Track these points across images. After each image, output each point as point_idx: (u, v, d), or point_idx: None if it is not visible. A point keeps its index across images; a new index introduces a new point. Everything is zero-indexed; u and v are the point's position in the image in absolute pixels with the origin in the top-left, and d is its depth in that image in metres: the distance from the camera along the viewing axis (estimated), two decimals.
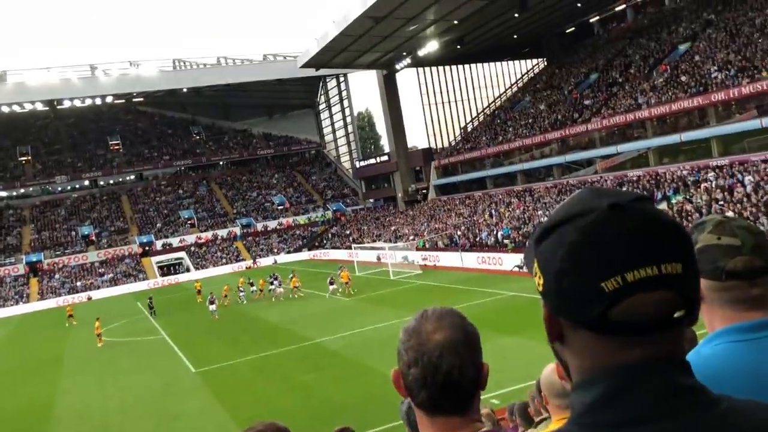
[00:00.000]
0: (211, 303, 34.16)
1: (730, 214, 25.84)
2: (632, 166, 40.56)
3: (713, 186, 30.58)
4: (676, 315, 0.90)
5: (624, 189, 0.84)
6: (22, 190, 79.03)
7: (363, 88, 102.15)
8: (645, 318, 0.88)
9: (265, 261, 65.13)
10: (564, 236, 0.91)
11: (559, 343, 0.98)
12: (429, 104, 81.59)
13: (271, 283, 39.23)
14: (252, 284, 40.74)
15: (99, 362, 26.82)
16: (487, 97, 77.58)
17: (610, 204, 0.90)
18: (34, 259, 65.42)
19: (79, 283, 62.38)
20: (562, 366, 1.02)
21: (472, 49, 61.00)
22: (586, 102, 47.64)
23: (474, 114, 71.06)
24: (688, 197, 31.02)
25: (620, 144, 41.56)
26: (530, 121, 52.91)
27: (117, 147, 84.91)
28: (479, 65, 79.02)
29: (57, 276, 63.74)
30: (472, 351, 1.43)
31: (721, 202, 28.07)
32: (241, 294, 39.02)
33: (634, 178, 37.33)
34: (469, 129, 67.48)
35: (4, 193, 78.01)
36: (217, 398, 18.55)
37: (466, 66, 78.87)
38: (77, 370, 25.97)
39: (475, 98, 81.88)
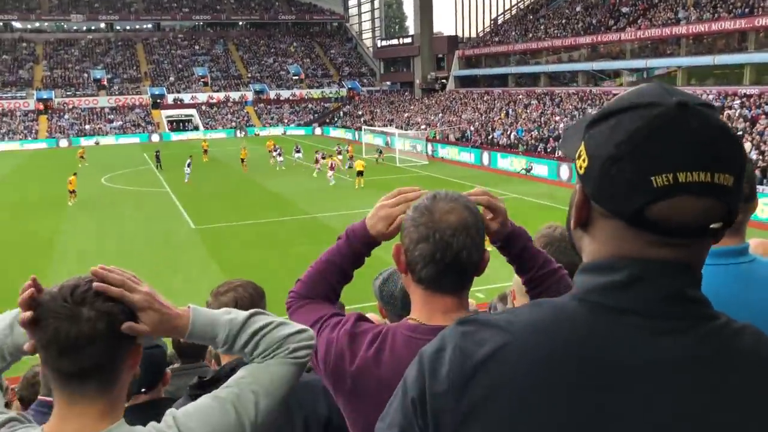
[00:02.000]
0: (187, 166, 33.67)
1: (747, 146, 25.40)
2: (659, 82, 39.38)
3: (737, 114, 29.86)
4: (712, 225, 0.89)
5: None
6: (37, 24, 77.40)
7: None
8: (683, 221, 0.87)
9: (274, 131, 64.72)
10: (625, 123, 0.89)
11: (581, 229, 0.98)
12: None
13: (297, 151, 40.69)
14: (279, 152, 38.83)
15: (102, 206, 27.32)
16: None
17: (679, 102, 0.88)
18: (45, 97, 65.14)
19: (87, 126, 62.48)
20: (576, 249, 1.02)
21: None
22: (624, 9, 45.60)
23: (507, 6, 68.19)
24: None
25: (651, 59, 40.16)
26: (564, 21, 50.89)
27: None
28: None
29: (66, 116, 63.72)
30: (480, 236, 1.46)
31: (741, 132, 27.51)
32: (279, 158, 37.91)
33: None
34: (499, 21, 65.05)
35: (18, 24, 76.49)
36: (212, 255, 19.03)
37: None
38: (80, 210, 26.48)
39: None
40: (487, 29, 65.49)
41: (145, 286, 1.33)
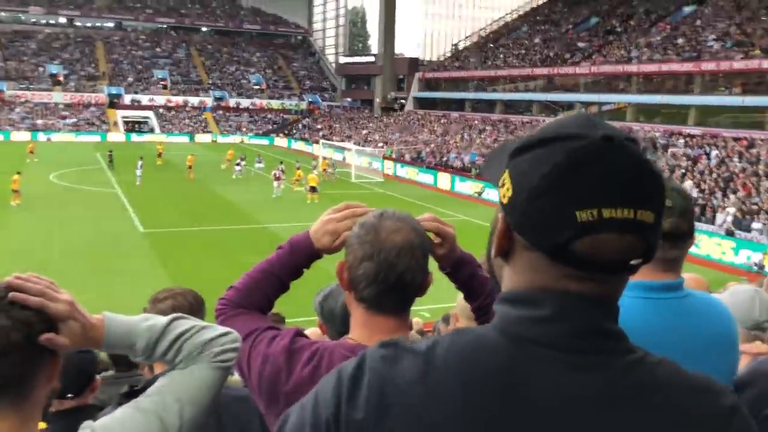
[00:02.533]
0: (139, 168, 33.34)
1: (688, 183, 26.54)
2: (609, 118, 40.79)
3: (680, 153, 31.14)
4: (632, 262, 0.88)
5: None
6: None
7: None
8: (604, 257, 0.86)
9: (231, 138, 64.27)
10: (549, 154, 0.87)
11: (501, 258, 0.97)
12: (427, 13, 79.53)
13: (259, 162, 41.35)
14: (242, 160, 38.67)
15: (47, 204, 26.77)
16: (485, 19, 75.86)
17: (605, 135, 0.86)
18: None
19: (39, 121, 61.03)
20: (493, 277, 1.06)
21: None
22: (581, 44, 47.16)
23: (469, 32, 69.57)
24: (654, 159, 31.57)
25: (603, 93, 41.59)
26: (522, 52, 52.26)
27: None
28: None
29: (18, 110, 62.10)
30: (425, 257, 1.45)
31: (683, 170, 28.70)
32: (237, 168, 37.51)
33: None
34: (460, 47, 66.29)
35: None
36: (159, 261, 18.90)
37: None
38: (24, 208, 25.91)
39: (473, 16, 79.98)
40: (448, 54, 66.62)
41: (66, 294, 1.24)
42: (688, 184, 26.54)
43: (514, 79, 50.14)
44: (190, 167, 37.39)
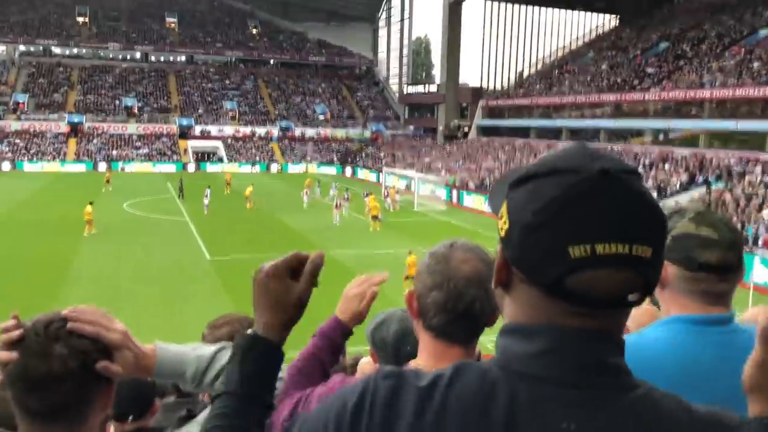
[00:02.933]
0: (206, 197, 34.06)
1: (766, 213, 25.29)
2: (680, 144, 39.51)
3: (758, 180, 29.79)
4: (630, 297, 0.87)
5: (627, 161, 0.81)
6: (75, 51, 79.68)
7: (426, 12, 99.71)
8: (600, 294, 0.85)
9: (296, 168, 65.36)
10: (544, 189, 0.86)
11: (502, 289, 0.96)
12: (489, 42, 79.56)
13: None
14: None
15: (121, 232, 27.74)
16: (550, 45, 75.28)
17: (601, 169, 0.85)
18: (76, 120, 66.63)
19: (114, 152, 63.65)
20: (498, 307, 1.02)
21: None
22: (650, 70, 46.04)
23: (533, 61, 69.16)
24: (729, 187, 30.32)
25: (673, 119, 40.36)
26: (588, 78, 51.42)
27: (173, 25, 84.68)
28: (550, 10, 76.39)
29: (95, 141, 65.04)
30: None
31: (761, 199, 27.40)
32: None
33: (679, 157, 36.44)
34: (524, 75, 65.85)
35: (57, 50, 78.77)
36: (225, 287, 19.20)
37: (537, 8, 76.30)
38: (99, 235, 26.90)
39: (537, 45, 79.51)
40: (512, 81, 66.28)
41: (120, 324, 1.29)
42: (766, 214, 25.34)
43: (581, 105, 49.30)
44: (247, 197, 37.36)
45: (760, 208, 26.18)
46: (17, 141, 62.28)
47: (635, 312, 2.55)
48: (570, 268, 0.84)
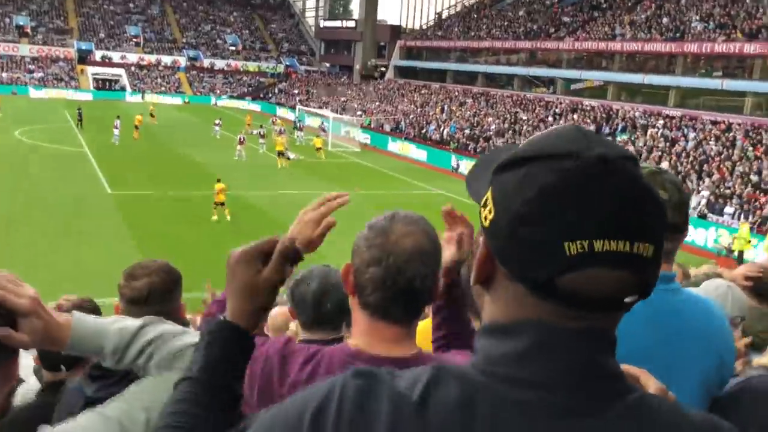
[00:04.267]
0: (116, 128, 32.46)
1: (665, 165, 26.47)
2: (590, 95, 40.56)
3: (659, 134, 31.06)
4: (627, 299, 0.78)
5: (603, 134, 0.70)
6: None
7: None
8: (594, 295, 0.76)
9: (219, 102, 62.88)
10: (537, 175, 0.77)
11: (482, 286, 0.86)
12: None
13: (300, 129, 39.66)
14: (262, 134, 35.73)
15: (13, 161, 25.82)
16: None
17: (600, 155, 0.76)
18: None
19: (5, 75, 58.97)
20: (475, 306, 0.92)
21: None
22: (565, 19, 46.64)
23: (452, 2, 68.56)
24: (632, 138, 31.48)
25: (585, 70, 41.28)
26: (506, 23, 51.59)
27: None
28: None
29: None
30: (436, 263, 1.38)
31: (660, 152, 28.63)
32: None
33: (588, 108, 37.43)
34: (444, 16, 65.34)
35: None
36: (126, 223, 18.29)
37: None
38: None
39: None
40: (431, 22, 65.67)
41: (29, 289, 1.12)
42: (664, 165, 26.51)
43: (497, 51, 49.53)
44: (137, 127, 35.57)
45: (659, 161, 27.35)
46: None
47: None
48: (565, 267, 0.75)
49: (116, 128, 32.59)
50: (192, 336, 1.33)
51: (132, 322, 1.32)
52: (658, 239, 0.78)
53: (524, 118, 38.35)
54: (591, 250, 0.74)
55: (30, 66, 61.34)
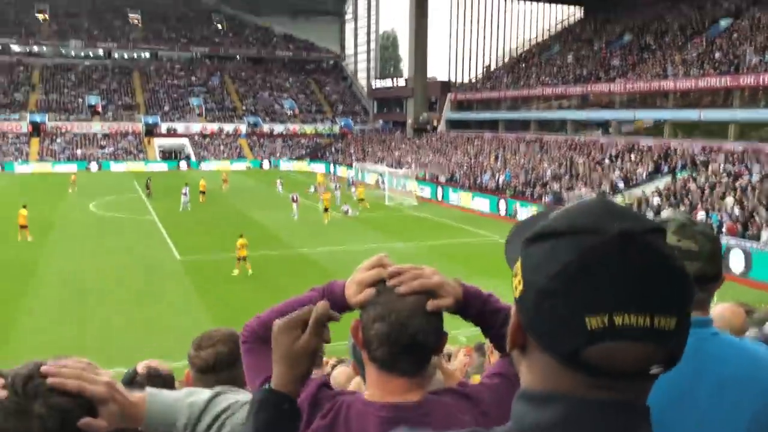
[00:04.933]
0: (184, 194, 34.11)
1: (729, 200, 25.80)
2: (646, 134, 40.13)
3: (720, 169, 30.38)
4: (652, 370, 0.80)
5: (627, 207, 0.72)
6: (36, 48, 77.88)
7: (393, 5, 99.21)
8: (620, 366, 0.78)
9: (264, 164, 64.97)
10: (560, 251, 0.80)
11: (518, 351, 0.90)
12: (456, 35, 79.79)
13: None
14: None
15: (88, 233, 27.22)
16: (516, 38, 75.76)
17: (621, 231, 0.77)
18: (38, 120, 65.21)
19: (79, 151, 62.50)
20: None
21: None
22: (614, 62, 46.63)
23: (500, 54, 69.55)
24: (693, 175, 30.87)
25: (639, 110, 40.98)
26: (555, 70, 51.91)
27: (136, 21, 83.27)
28: (516, 1, 76.92)
29: (59, 140, 63.74)
30: (439, 318, 1.44)
31: (724, 187, 27.96)
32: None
33: (645, 147, 37.00)
34: (492, 68, 66.21)
35: (17, 48, 76.92)
36: (195, 287, 18.99)
37: (505, 1, 76.84)
38: (66, 236, 26.38)
39: (503, 37, 79.95)
40: (480, 75, 66.59)
41: (105, 376, 1.22)
42: (729, 201, 25.87)
43: (548, 97, 49.76)
44: (203, 192, 37.26)
45: (723, 196, 26.70)
46: None
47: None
48: (587, 340, 0.77)
49: (185, 195, 34.18)
50: (244, 395, 1.42)
51: (202, 396, 1.38)
52: (681, 311, 0.79)
53: (580, 161, 38.15)
54: (611, 324, 0.76)
55: (102, 142, 64.88)
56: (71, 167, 56.39)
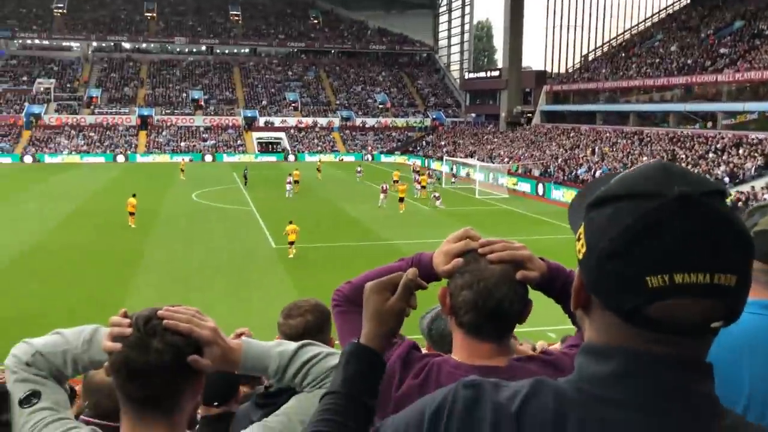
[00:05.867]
0: (288, 183, 36.58)
1: None
2: (756, 128, 37.79)
3: None
4: (713, 325, 0.83)
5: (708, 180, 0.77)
6: (144, 45, 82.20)
7: None
8: (681, 322, 0.82)
9: (350, 158, 65.88)
10: (620, 214, 0.83)
11: (582, 310, 0.95)
12: (553, 25, 77.86)
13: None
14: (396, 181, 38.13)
15: (190, 222, 28.56)
16: (617, 28, 73.07)
17: (680, 194, 0.81)
18: (146, 113, 68.90)
19: (183, 144, 65.53)
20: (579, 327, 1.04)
21: None
22: (723, 50, 44.12)
23: (598, 44, 67.32)
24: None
25: (749, 102, 38.62)
26: (657, 60, 49.71)
27: (236, 18, 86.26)
28: None
29: (164, 133, 67.09)
30: (524, 286, 1.51)
31: None
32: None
33: (755, 141, 34.89)
34: (590, 58, 64.20)
35: (127, 45, 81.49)
36: (289, 275, 19.59)
37: None
38: (171, 224, 27.80)
39: (603, 27, 77.31)
40: (577, 65, 64.72)
41: (210, 321, 1.41)
42: None
43: (649, 89, 47.75)
44: (296, 182, 38.15)
45: None
46: (92, 134, 64.92)
47: None
48: (648, 298, 0.82)
49: (289, 183, 36.67)
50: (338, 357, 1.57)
51: (290, 346, 1.52)
52: (741, 269, 0.82)
53: (682, 155, 36.44)
54: (672, 282, 0.80)
55: (204, 135, 67.79)
56: (185, 158, 58.97)
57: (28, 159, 59.00)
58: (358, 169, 47.28)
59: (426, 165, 56.26)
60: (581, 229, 0.90)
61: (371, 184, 41.10)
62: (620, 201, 0.85)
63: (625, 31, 64.70)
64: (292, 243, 21.89)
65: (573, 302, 0.94)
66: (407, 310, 1.38)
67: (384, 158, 66.03)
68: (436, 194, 34.57)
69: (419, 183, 38.46)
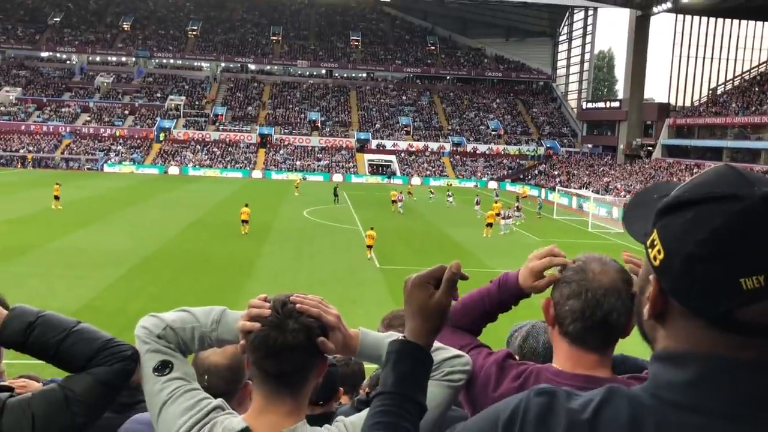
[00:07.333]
0: (395, 201, 38.82)
1: None
2: None
3: None
4: None
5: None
6: (268, 67, 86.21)
7: (610, 26, 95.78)
8: None
9: (467, 183, 65.59)
10: (704, 217, 0.82)
11: (655, 320, 0.92)
12: (679, 56, 74.55)
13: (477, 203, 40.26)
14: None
15: (300, 237, 29.44)
16: (750, 60, 68.96)
17: (763, 195, 0.81)
18: (266, 132, 72.01)
19: (298, 162, 67.83)
20: (646, 339, 0.97)
21: (745, 3, 54.05)
22: None
23: (728, 77, 63.76)
24: None
25: None
26: None
27: (356, 43, 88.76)
28: (749, 23, 70.07)
29: (282, 152, 69.76)
30: (630, 300, 1.47)
31: None
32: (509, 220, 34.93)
33: None
34: (718, 91, 60.94)
35: (253, 66, 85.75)
36: (391, 294, 19.67)
37: (733, 21, 70.38)
38: (282, 238, 28.78)
39: (734, 59, 73.19)
40: (704, 98, 61.57)
41: (334, 309, 1.55)
42: None
43: None
44: (393, 201, 40.31)
45: None
46: (215, 149, 68.58)
47: None
48: (743, 300, 0.80)
49: (400, 201, 39.15)
50: (447, 351, 1.58)
51: (399, 336, 1.53)
52: None
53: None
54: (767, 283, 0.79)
55: (318, 155, 69.92)
56: (300, 176, 61.44)
57: (173, 170, 63.64)
58: (449, 194, 45.09)
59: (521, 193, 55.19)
60: (654, 237, 0.88)
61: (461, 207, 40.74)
62: (699, 205, 0.84)
63: (760, 64, 60.97)
64: (370, 247, 24.90)
65: (648, 311, 0.91)
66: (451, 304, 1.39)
67: (491, 185, 65.28)
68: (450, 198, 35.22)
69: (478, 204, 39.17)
